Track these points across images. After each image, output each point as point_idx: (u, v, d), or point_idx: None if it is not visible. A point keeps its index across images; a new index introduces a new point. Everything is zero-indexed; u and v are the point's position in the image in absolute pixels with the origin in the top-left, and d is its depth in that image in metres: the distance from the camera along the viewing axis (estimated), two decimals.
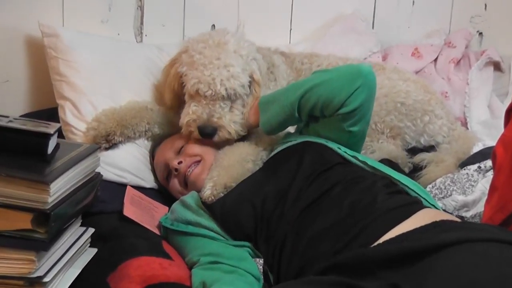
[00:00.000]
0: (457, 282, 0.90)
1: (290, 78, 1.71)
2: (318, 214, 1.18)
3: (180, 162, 1.44)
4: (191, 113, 1.46)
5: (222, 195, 1.33)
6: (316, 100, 1.32)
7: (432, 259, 0.95)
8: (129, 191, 1.44)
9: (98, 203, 1.33)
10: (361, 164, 1.35)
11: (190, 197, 1.38)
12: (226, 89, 1.44)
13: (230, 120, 1.47)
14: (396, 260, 0.98)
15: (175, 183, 1.47)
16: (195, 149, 1.47)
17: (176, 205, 1.38)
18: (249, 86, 1.50)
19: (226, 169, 1.37)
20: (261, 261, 1.23)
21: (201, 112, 1.46)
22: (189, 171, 1.43)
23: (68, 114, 1.54)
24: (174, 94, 1.53)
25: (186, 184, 1.43)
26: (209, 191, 1.33)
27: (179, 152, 1.48)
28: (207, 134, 1.46)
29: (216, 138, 1.47)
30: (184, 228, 1.31)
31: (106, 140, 1.48)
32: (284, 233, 1.19)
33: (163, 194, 1.55)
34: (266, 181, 1.33)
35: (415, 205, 1.18)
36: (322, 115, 1.34)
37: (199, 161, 1.44)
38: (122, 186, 1.47)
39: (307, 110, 1.35)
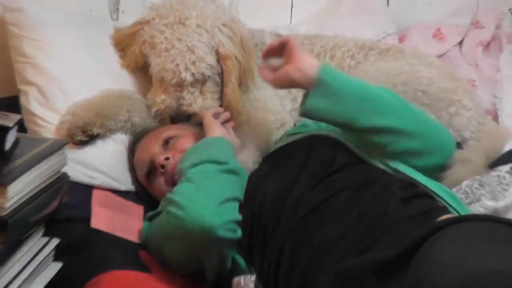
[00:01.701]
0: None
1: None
2: (320, 224, 1.19)
3: (167, 158, 1.44)
4: (159, 102, 1.54)
5: None
6: (395, 146, 1.32)
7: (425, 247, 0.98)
8: (96, 193, 1.45)
9: (65, 208, 1.32)
10: (380, 165, 1.34)
11: (171, 193, 1.35)
12: (192, 75, 1.51)
13: (202, 106, 1.54)
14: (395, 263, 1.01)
15: (160, 183, 1.46)
16: (186, 144, 1.46)
17: (161, 204, 1.38)
18: (218, 62, 1.55)
19: None
20: (253, 277, 1.23)
21: (170, 101, 1.54)
22: None
23: (32, 102, 1.52)
24: (138, 69, 1.61)
25: (174, 184, 1.40)
26: None
27: (166, 146, 1.49)
28: (181, 122, 1.54)
29: (192, 123, 1.56)
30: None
31: (83, 131, 1.47)
32: (281, 245, 1.19)
33: (141, 198, 1.55)
34: (265, 181, 1.33)
35: (434, 212, 1.17)
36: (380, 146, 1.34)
37: None
38: (96, 190, 1.48)
39: (369, 139, 1.33)
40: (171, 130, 1.53)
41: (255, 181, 1.33)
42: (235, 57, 1.56)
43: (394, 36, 2.10)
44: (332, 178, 1.27)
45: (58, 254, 1.24)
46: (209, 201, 1.18)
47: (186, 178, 1.24)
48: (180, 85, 1.53)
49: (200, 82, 1.54)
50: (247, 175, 1.32)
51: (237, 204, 1.23)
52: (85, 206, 1.41)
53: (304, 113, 1.35)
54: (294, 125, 1.67)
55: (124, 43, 1.64)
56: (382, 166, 1.34)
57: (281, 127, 1.61)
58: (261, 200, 1.29)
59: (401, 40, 2.12)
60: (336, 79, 1.31)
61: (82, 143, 1.49)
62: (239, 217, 1.21)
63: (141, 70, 1.62)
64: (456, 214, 1.23)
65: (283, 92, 1.69)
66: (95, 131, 1.49)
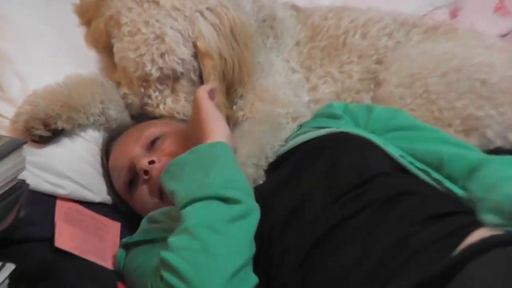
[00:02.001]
0: None
1: (301, 35, 1.73)
2: (332, 252, 1.21)
3: (152, 162, 1.44)
4: (121, 95, 1.56)
5: None
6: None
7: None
8: (61, 205, 1.44)
9: (23, 225, 1.32)
10: (421, 175, 1.36)
11: (160, 213, 1.40)
12: (160, 69, 1.51)
13: (172, 109, 1.55)
14: None
15: (143, 193, 1.46)
16: (175, 144, 1.46)
17: (142, 225, 1.40)
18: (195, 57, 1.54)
19: None
20: None
21: (132, 98, 1.56)
22: None
23: None
24: (104, 49, 1.61)
25: (161, 195, 1.43)
26: None
27: (150, 147, 1.49)
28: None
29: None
30: (148, 236, 1.35)
31: (44, 124, 1.46)
32: (287, 280, 1.22)
33: (119, 212, 1.56)
34: (275, 196, 1.33)
35: (465, 229, 1.20)
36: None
37: None
38: (60, 201, 1.47)
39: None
40: (156, 127, 1.53)
41: (261, 197, 1.29)
42: (219, 54, 1.55)
43: (444, 9, 2.11)
44: (358, 191, 1.28)
45: (13, 283, 1.23)
46: (220, 273, 1.13)
47: (186, 228, 1.16)
48: (146, 80, 1.53)
49: (171, 78, 1.55)
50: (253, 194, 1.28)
51: (251, 266, 1.19)
52: (48, 222, 1.40)
53: None
54: None
55: (90, 14, 1.64)
56: (425, 177, 1.36)
57: (292, 122, 1.59)
58: (269, 224, 1.29)
59: (453, 15, 2.12)
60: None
61: (43, 140, 1.47)
62: (254, 281, 1.19)
63: (108, 51, 1.61)
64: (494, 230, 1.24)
65: (298, 79, 1.70)
66: (60, 125, 1.48)
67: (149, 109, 1.55)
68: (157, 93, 1.55)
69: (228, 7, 1.55)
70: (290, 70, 1.70)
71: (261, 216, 1.23)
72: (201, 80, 1.58)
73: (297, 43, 1.73)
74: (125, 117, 1.62)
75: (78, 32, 1.68)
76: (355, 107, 1.56)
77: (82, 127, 1.55)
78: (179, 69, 1.52)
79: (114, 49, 1.54)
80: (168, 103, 1.55)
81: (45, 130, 1.47)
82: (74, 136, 1.55)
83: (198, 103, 1.34)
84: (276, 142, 1.47)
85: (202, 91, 1.37)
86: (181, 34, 1.52)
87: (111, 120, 1.60)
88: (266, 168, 1.42)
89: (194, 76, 1.57)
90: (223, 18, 1.55)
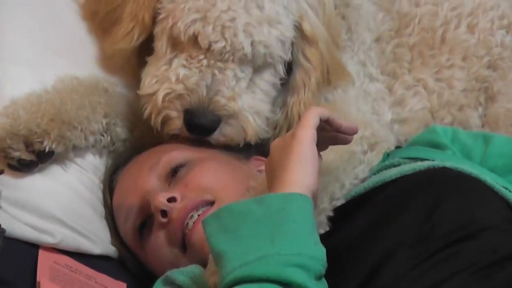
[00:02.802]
0: None
1: (383, 27, 1.58)
2: None
3: (172, 199, 1.32)
4: (173, 80, 1.34)
5: None
6: None
7: None
8: (45, 257, 1.35)
9: None
10: None
11: (183, 274, 1.27)
12: (252, 45, 1.33)
13: (251, 107, 1.39)
14: None
15: (158, 241, 1.36)
16: (205, 176, 1.36)
17: (156, 286, 1.30)
18: (292, 46, 1.40)
19: None
20: None
21: (196, 80, 1.34)
22: (191, 220, 1.31)
23: None
24: (141, 29, 1.40)
25: (185, 246, 1.33)
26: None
27: (171, 177, 1.38)
28: (201, 128, 1.35)
29: (214, 138, 1.37)
30: None
31: (26, 144, 1.34)
32: None
33: (126, 268, 1.45)
34: (348, 249, 1.24)
35: None
36: None
37: (212, 203, 1.33)
38: (45, 252, 1.36)
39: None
40: (178, 151, 1.41)
41: (327, 256, 1.16)
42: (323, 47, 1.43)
43: None
44: (454, 249, 1.17)
45: None
46: None
47: None
48: (224, 58, 1.34)
49: (255, 65, 1.36)
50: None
51: None
52: (29, 282, 1.30)
53: None
54: (398, 147, 1.54)
55: (109, 6, 1.47)
56: None
57: (370, 150, 1.42)
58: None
59: None
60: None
61: (23, 167, 1.36)
62: None
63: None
64: None
65: (378, 89, 1.55)
66: (48, 146, 1.35)
67: (221, 100, 1.35)
68: (234, 81, 1.35)
69: None
70: (367, 78, 1.55)
71: (328, 282, 1.13)
72: (287, 79, 1.44)
73: (378, 39, 1.57)
74: (136, 135, 1.50)
75: (72, 23, 1.56)
76: (467, 135, 1.47)
77: (78, 150, 1.43)
78: (277, 51, 1.33)
79: (178, 8, 1.32)
80: (245, 98, 1.36)
81: (27, 152, 1.34)
82: (67, 163, 1.42)
83: (301, 133, 1.16)
84: (348, 179, 1.34)
85: (315, 114, 1.18)
86: (286, 8, 1.35)
87: (118, 141, 1.49)
88: (331, 214, 1.29)
89: (282, 71, 1.40)
90: (325, 2, 1.43)
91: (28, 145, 1.34)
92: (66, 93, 1.42)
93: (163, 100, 1.36)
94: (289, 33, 1.38)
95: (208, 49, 1.34)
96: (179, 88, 1.34)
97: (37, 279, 1.28)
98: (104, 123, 1.45)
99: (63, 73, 1.46)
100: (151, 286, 1.30)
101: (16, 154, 1.33)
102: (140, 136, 1.51)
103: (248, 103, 1.38)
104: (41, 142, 1.35)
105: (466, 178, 1.30)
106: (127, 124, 1.50)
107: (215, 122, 1.34)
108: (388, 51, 1.57)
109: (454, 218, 1.22)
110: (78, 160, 1.44)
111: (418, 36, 1.57)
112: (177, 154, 1.40)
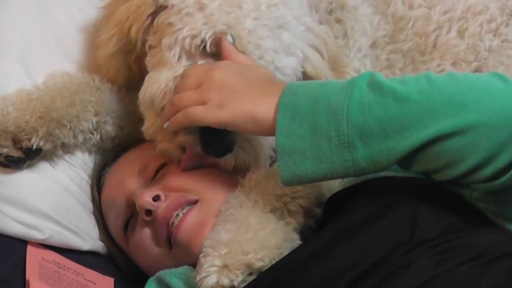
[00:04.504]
0: None
1: (379, 33, 1.55)
2: None
3: (157, 197, 1.32)
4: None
5: (241, 285, 1.21)
6: (455, 159, 1.17)
7: None
8: (33, 254, 1.35)
9: None
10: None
11: (176, 277, 1.29)
12: (274, 70, 1.32)
13: None
14: None
15: (144, 238, 1.36)
16: (186, 178, 1.35)
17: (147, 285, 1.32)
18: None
19: (249, 229, 1.25)
20: None
21: None
22: (176, 218, 1.32)
23: None
24: (121, 36, 1.40)
25: (170, 244, 1.33)
26: (214, 279, 1.20)
27: (153, 177, 1.39)
28: (218, 149, 1.30)
29: (228, 160, 1.34)
30: None
31: (14, 141, 1.35)
32: None
33: (115, 264, 1.46)
34: (330, 254, 1.19)
35: None
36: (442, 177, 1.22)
37: (195, 202, 1.34)
38: (33, 248, 1.36)
39: (422, 170, 1.22)
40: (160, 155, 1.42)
41: (312, 257, 1.19)
42: None
43: None
44: (446, 246, 1.15)
45: None
46: None
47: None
48: None
49: None
50: None
51: None
52: (19, 279, 1.32)
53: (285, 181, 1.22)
54: None
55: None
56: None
57: None
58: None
59: None
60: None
61: (11, 163, 1.36)
62: None
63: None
64: None
65: None
66: (36, 143, 1.36)
67: None
68: None
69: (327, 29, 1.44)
70: None
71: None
72: None
73: (373, 45, 1.55)
74: (126, 133, 1.50)
75: (64, 14, 1.55)
76: None
77: (67, 147, 1.43)
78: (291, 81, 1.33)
79: (184, 19, 1.32)
80: None
81: (15, 149, 1.35)
82: (56, 160, 1.43)
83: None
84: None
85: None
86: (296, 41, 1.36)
87: (107, 138, 1.49)
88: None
89: None
90: (326, 40, 1.42)
91: (16, 141, 1.35)
92: (57, 90, 1.42)
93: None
94: (300, 68, 1.38)
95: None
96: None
97: (27, 278, 1.29)
98: (94, 122, 1.45)
99: (53, 69, 1.46)
100: (139, 282, 1.32)
101: (4, 150, 1.34)
102: (129, 132, 1.50)
103: None
104: (29, 139, 1.35)
105: (436, 187, 1.27)
106: (117, 122, 1.50)
107: (232, 144, 1.33)
108: (382, 58, 1.56)
109: (434, 220, 1.20)
110: (66, 156, 1.44)
111: (411, 41, 1.56)
112: (161, 157, 1.39)
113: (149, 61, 1.36)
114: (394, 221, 1.21)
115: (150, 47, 1.36)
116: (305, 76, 1.39)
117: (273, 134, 1.21)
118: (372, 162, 1.17)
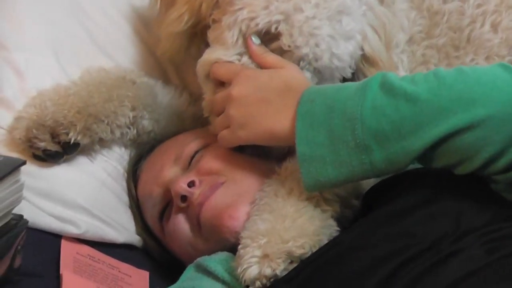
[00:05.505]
0: None
1: (415, 28, 1.53)
2: None
3: (192, 183, 1.34)
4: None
5: (283, 273, 1.20)
6: (469, 154, 1.17)
7: None
8: (67, 248, 1.36)
9: (20, 279, 1.25)
10: None
11: (216, 262, 1.29)
12: (330, 57, 1.30)
13: None
14: None
15: (178, 223, 1.37)
16: (218, 161, 1.37)
17: (188, 274, 1.31)
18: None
19: (287, 217, 1.25)
20: None
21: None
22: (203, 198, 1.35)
23: None
24: (192, 13, 1.38)
25: (199, 224, 1.35)
26: (256, 269, 1.19)
27: (188, 164, 1.41)
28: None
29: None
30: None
31: (52, 135, 1.35)
32: None
33: (151, 257, 1.47)
34: (370, 244, 1.19)
35: None
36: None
37: (222, 183, 1.37)
38: (68, 242, 1.37)
39: (441, 165, 1.21)
40: (198, 140, 1.43)
41: (351, 246, 1.19)
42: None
43: None
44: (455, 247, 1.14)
45: None
46: None
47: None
48: (300, 61, 1.31)
49: (321, 77, 1.33)
50: None
51: None
52: (53, 274, 1.31)
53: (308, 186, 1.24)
54: None
55: None
56: None
57: None
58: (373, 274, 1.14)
59: None
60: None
61: (48, 157, 1.36)
62: None
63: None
64: None
65: None
66: (73, 137, 1.36)
67: None
68: None
69: (387, 12, 1.42)
70: None
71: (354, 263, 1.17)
72: None
73: (410, 40, 1.53)
74: (162, 128, 1.51)
75: (96, 7, 1.56)
76: None
77: (104, 142, 1.43)
78: (343, 71, 1.32)
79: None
80: None
81: (53, 143, 1.35)
82: (93, 154, 1.44)
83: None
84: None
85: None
86: (355, 24, 1.33)
87: (144, 133, 1.49)
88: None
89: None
90: (384, 23, 1.41)
91: (54, 136, 1.35)
92: (94, 85, 1.43)
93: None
94: (359, 51, 1.37)
95: (285, 51, 1.33)
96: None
97: (60, 272, 1.30)
98: (131, 117, 1.46)
99: (88, 65, 1.47)
100: (175, 275, 1.32)
101: (42, 144, 1.34)
102: (165, 126, 1.52)
103: None
104: (67, 134, 1.36)
105: (454, 178, 1.26)
106: (154, 116, 1.50)
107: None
108: (418, 54, 1.55)
109: (455, 216, 1.20)
110: (104, 151, 1.45)
111: (445, 36, 1.54)
112: (195, 144, 1.42)
113: (210, 34, 1.36)
114: (439, 210, 1.21)
115: (213, 21, 1.36)
116: (363, 58, 1.38)
117: (294, 143, 1.21)
118: (389, 163, 1.18)
